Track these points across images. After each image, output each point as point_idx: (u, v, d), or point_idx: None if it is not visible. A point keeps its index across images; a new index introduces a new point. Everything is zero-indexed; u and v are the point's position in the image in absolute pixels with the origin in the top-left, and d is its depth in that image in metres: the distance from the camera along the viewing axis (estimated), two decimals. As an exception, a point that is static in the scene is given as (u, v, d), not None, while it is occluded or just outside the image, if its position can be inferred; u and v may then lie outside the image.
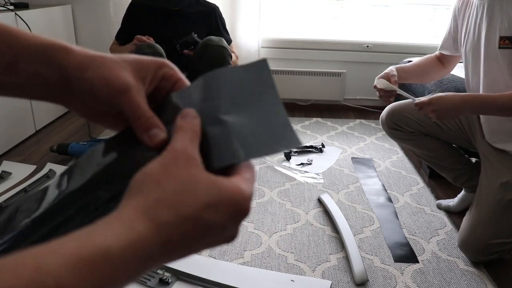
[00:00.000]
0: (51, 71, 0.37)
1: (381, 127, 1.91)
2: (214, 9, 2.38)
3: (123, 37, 2.32)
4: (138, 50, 2.00)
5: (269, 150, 0.33)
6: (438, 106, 1.44)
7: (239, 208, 0.31)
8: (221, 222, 0.30)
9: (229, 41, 2.33)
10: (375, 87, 1.62)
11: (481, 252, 1.52)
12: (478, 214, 1.55)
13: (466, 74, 1.66)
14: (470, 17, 1.58)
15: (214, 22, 2.37)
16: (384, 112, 1.86)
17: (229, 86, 0.36)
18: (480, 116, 1.65)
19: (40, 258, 0.25)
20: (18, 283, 0.23)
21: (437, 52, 1.83)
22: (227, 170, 0.33)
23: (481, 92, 1.60)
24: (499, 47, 1.45)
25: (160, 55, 2.01)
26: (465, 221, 1.60)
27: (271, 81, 0.36)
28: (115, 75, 0.36)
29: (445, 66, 1.81)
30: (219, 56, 2.04)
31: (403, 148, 2.57)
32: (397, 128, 1.80)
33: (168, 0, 2.22)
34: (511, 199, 1.48)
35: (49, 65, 0.36)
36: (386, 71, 1.65)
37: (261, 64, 0.37)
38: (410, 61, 2.80)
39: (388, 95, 1.60)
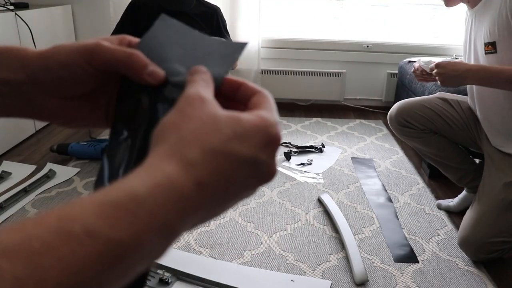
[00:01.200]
0: (14, 72, 0.36)
1: (382, 125, 1.91)
2: (216, 11, 2.38)
3: None
4: None
5: (231, 60, 0.37)
6: (443, 70, 1.46)
7: (267, 135, 0.29)
8: (252, 153, 0.28)
9: None
10: (418, 69, 1.69)
11: (481, 250, 1.52)
12: (480, 211, 1.55)
13: None
14: (466, 25, 1.64)
15: (216, 24, 2.37)
16: (393, 110, 1.85)
17: (161, 46, 0.40)
18: (481, 121, 1.66)
19: (62, 210, 0.23)
20: (41, 231, 0.22)
21: None
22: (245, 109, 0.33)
23: (475, 95, 1.64)
24: (485, 53, 1.48)
25: None
26: (466, 219, 1.60)
27: (183, 27, 0.43)
28: (81, 44, 0.36)
29: None
30: None
31: (403, 148, 2.57)
32: (407, 125, 1.79)
33: (170, 1, 2.22)
34: None
35: (11, 66, 0.36)
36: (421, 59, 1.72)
37: (164, 19, 0.44)
38: (410, 61, 2.80)
39: (428, 77, 1.66)
